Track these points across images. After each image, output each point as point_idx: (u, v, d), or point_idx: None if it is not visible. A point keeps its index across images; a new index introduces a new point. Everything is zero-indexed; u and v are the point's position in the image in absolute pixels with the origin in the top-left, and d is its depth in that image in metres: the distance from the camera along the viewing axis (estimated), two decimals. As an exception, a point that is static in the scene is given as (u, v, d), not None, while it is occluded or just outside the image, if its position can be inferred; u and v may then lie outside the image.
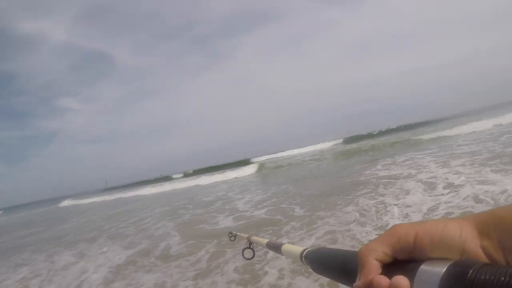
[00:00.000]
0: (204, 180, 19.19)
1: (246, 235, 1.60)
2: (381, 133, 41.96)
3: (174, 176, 45.14)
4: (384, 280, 0.41)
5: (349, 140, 40.55)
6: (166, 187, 21.40)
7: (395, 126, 49.87)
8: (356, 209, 4.84)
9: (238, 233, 1.90)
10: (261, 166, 19.64)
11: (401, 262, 0.42)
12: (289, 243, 1.01)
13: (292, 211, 5.88)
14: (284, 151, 50.58)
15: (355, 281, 0.45)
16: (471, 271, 0.34)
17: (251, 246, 1.48)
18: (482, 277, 0.33)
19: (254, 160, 39.23)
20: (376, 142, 18.14)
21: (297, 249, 0.84)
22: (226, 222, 6.29)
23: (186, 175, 41.68)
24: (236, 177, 17.48)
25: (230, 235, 1.98)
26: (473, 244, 0.39)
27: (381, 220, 4.10)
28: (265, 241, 1.28)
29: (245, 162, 32.77)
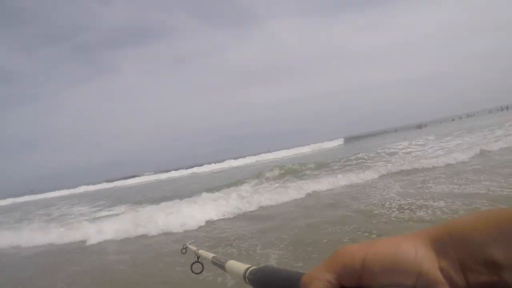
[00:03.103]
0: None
1: (195, 248, 1.60)
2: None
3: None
4: None
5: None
6: None
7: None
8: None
9: (190, 246, 1.86)
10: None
11: None
12: (234, 259, 0.97)
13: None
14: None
15: None
16: None
17: (200, 260, 1.46)
18: None
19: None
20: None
21: (241, 266, 0.83)
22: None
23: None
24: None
25: (182, 247, 1.98)
26: (431, 266, 0.37)
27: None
28: (211, 256, 1.27)
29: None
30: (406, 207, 5.82)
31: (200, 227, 7.36)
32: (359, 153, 15.68)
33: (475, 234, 0.37)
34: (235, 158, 47.70)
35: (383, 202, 6.47)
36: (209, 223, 7.51)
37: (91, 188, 42.50)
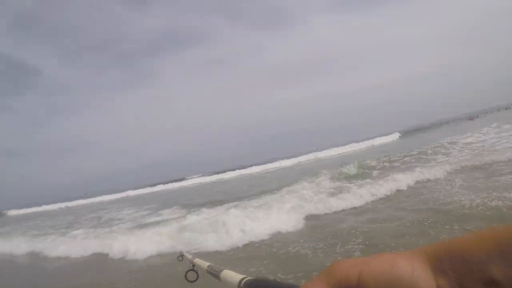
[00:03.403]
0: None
1: (190, 257, 1.63)
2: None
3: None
4: None
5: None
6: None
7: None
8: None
9: (186, 254, 1.86)
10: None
11: None
12: (229, 269, 0.99)
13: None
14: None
15: None
16: None
17: (195, 269, 1.47)
18: None
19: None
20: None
21: (237, 276, 0.84)
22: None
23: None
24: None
25: (179, 255, 2.01)
26: (428, 284, 0.37)
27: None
28: (206, 264, 1.29)
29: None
30: (479, 200, 5.62)
31: (263, 235, 6.21)
32: (420, 148, 14.57)
33: (473, 253, 0.37)
34: (284, 158, 46.88)
35: (455, 197, 6.18)
36: (272, 229, 6.48)
37: (141, 191, 43.63)
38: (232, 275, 0.88)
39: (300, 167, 27.83)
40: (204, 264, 1.31)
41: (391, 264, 0.38)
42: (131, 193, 43.30)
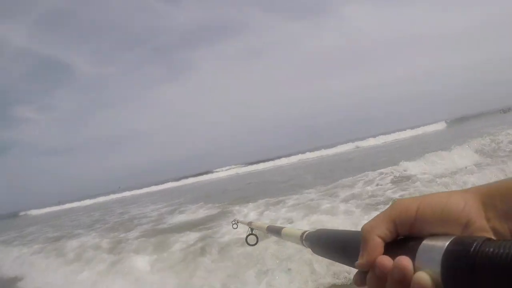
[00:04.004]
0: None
1: (247, 221, 1.75)
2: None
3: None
4: (387, 261, 0.42)
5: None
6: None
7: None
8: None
9: (241, 220, 2.13)
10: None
11: (403, 239, 0.44)
12: (288, 226, 1.08)
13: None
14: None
15: (356, 260, 0.47)
16: (473, 247, 0.35)
17: (253, 232, 1.56)
18: (485, 252, 0.34)
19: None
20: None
21: (297, 231, 0.88)
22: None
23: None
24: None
25: (233, 222, 2.19)
26: (478, 216, 0.41)
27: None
28: (266, 225, 1.41)
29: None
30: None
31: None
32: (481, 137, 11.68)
33: None
34: (327, 147, 44.13)
35: None
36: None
37: (174, 184, 43.51)
38: (293, 231, 0.93)
39: (343, 156, 25.56)
40: (263, 225, 1.42)
41: (446, 199, 0.42)
42: (160, 187, 43.31)
